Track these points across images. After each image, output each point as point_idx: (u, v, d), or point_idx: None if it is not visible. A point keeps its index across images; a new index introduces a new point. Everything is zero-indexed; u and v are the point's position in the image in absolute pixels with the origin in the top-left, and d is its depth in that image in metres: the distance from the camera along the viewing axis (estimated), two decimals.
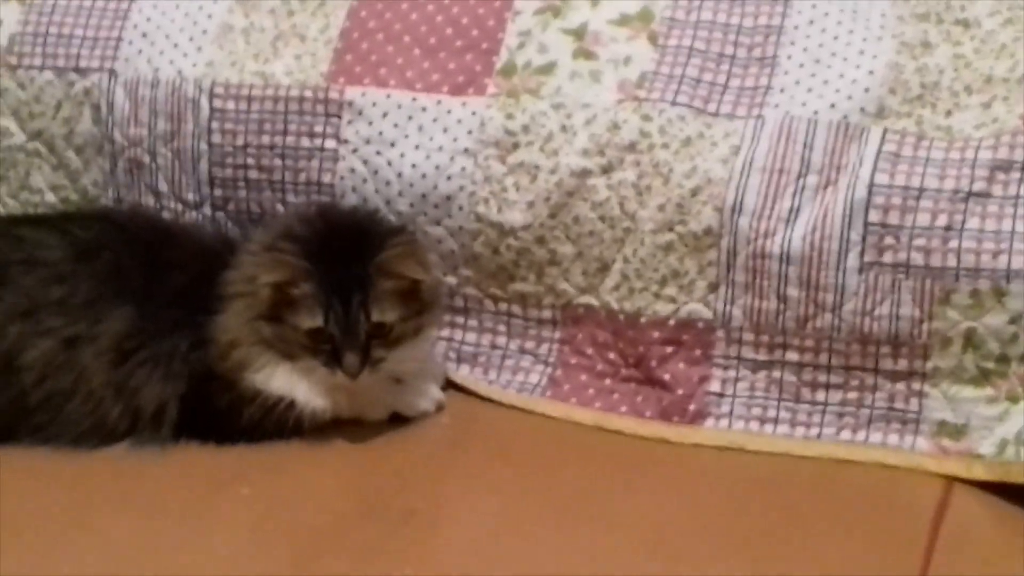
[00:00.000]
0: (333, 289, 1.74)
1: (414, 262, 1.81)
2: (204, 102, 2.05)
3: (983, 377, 1.77)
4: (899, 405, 1.80)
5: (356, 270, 1.76)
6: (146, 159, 2.09)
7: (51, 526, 1.65)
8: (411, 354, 1.83)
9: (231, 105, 2.04)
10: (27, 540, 1.61)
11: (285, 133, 2.02)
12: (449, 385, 1.96)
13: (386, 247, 1.78)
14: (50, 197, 2.16)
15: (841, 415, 1.82)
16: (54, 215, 2.11)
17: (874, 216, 1.79)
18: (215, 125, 2.05)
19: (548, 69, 1.96)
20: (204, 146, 2.05)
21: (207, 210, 2.07)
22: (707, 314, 1.87)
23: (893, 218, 1.78)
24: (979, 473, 1.73)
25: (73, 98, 2.13)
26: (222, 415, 1.80)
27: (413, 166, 1.96)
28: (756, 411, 1.85)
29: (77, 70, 2.13)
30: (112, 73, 2.11)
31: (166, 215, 2.09)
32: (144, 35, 2.12)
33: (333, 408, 1.81)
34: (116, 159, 2.11)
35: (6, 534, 1.60)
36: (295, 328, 1.76)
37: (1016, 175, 1.77)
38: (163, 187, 2.08)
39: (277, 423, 1.79)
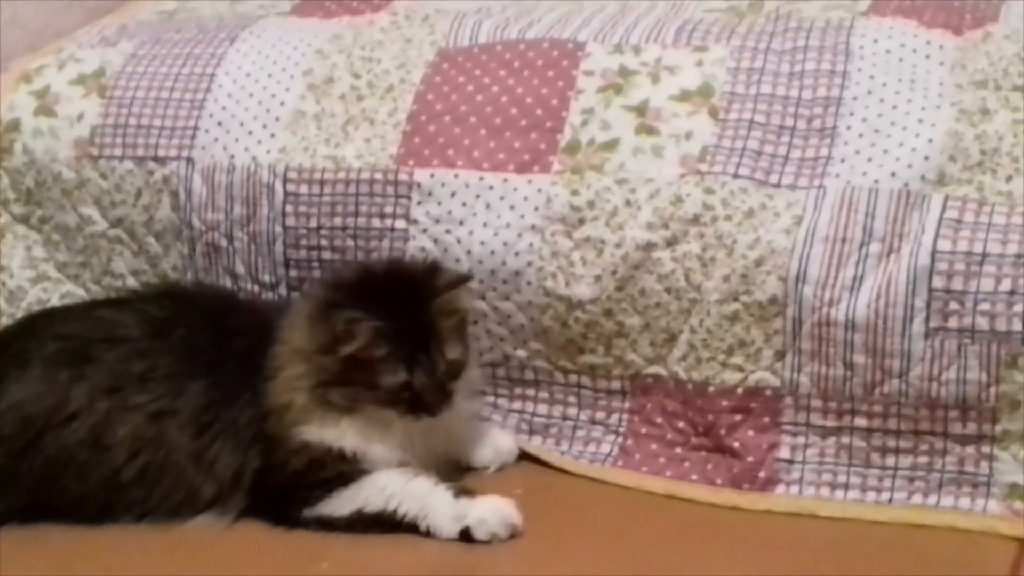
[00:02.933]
0: (408, 341, 1.80)
1: (464, 295, 1.89)
2: (278, 186, 2.11)
3: None
4: (969, 468, 1.81)
5: (420, 316, 1.81)
6: (223, 243, 2.15)
7: None
8: (468, 380, 1.90)
9: (304, 189, 2.10)
10: None
11: (356, 214, 2.07)
12: (522, 456, 1.99)
13: (439, 287, 1.84)
14: (131, 282, 2.22)
15: (912, 479, 1.83)
16: (128, 295, 2.17)
17: (938, 282, 1.81)
18: (289, 208, 2.10)
19: (611, 145, 2.00)
20: (279, 229, 2.10)
21: (283, 291, 2.12)
22: (775, 382, 1.89)
23: (957, 284, 1.80)
24: None
25: (152, 186, 2.19)
26: (287, 477, 1.83)
27: (482, 243, 2.01)
28: (826, 477, 1.86)
29: (156, 159, 2.20)
30: (189, 161, 2.18)
31: (242, 296, 2.14)
32: (219, 123, 2.18)
33: (403, 457, 1.84)
34: (194, 243, 2.17)
35: None
36: (374, 387, 1.80)
37: None
38: (240, 269, 2.14)
39: (324, 462, 1.82)
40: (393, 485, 1.81)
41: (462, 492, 1.81)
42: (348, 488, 1.81)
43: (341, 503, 1.81)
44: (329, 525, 1.81)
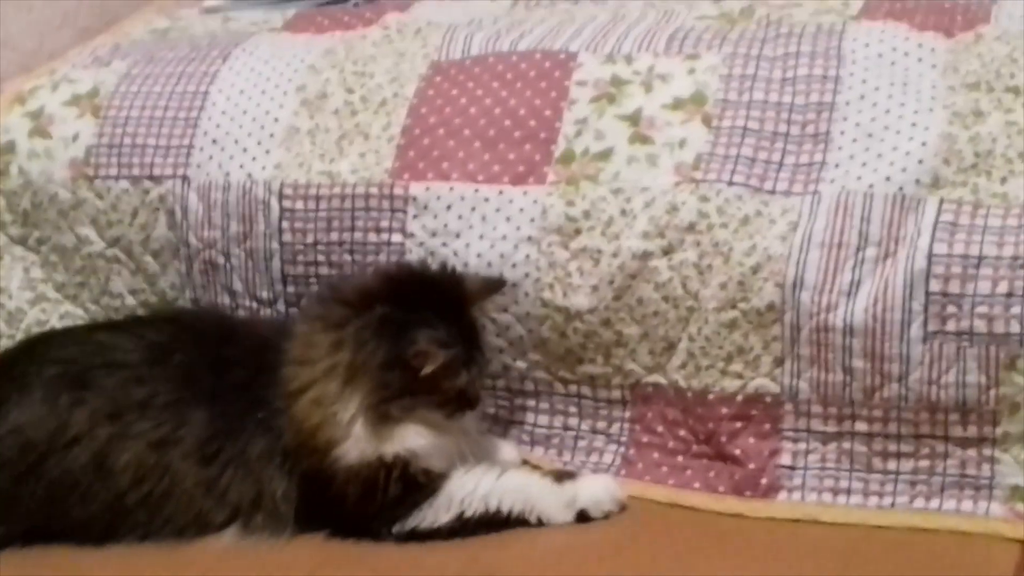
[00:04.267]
0: (462, 345, 1.83)
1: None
2: (274, 203, 2.11)
3: None
4: (971, 471, 1.82)
5: (462, 319, 1.86)
6: (220, 260, 2.15)
7: None
8: None
9: (300, 204, 2.10)
10: None
11: (353, 229, 2.08)
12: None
13: (468, 290, 1.89)
14: (130, 301, 2.23)
15: (913, 483, 1.84)
16: (127, 320, 2.17)
17: (935, 286, 1.81)
18: (285, 224, 2.10)
19: (605, 155, 2.00)
20: (276, 245, 2.11)
21: (281, 307, 2.12)
22: (774, 388, 1.89)
23: (954, 287, 1.80)
24: None
25: (148, 205, 2.20)
26: (338, 498, 1.83)
27: (478, 256, 2.01)
28: (828, 482, 1.87)
29: (151, 178, 2.20)
30: (185, 179, 2.18)
31: (241, 313, 2.15)
32: (214, 141, 2.18)
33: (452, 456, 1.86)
34: (192, 261, 2.17)
35: None
36: (433, 392, 1.82)
37: None
38: (238, 286, 2.14)
39: (384, 478, 1.82)
40: (485, 483, 1.83)
41: (562, 476, 1.86)
42: (436, 497, 1.82)
43: (436, 513, 1.82)
44: (428, 536, 1.82)
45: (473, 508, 1.81)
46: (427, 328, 1.80)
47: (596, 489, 1.85)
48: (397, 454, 1.82)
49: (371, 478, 1.82)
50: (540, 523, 1.82)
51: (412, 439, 1.83)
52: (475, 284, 1.91)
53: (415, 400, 1.82)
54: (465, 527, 1.81)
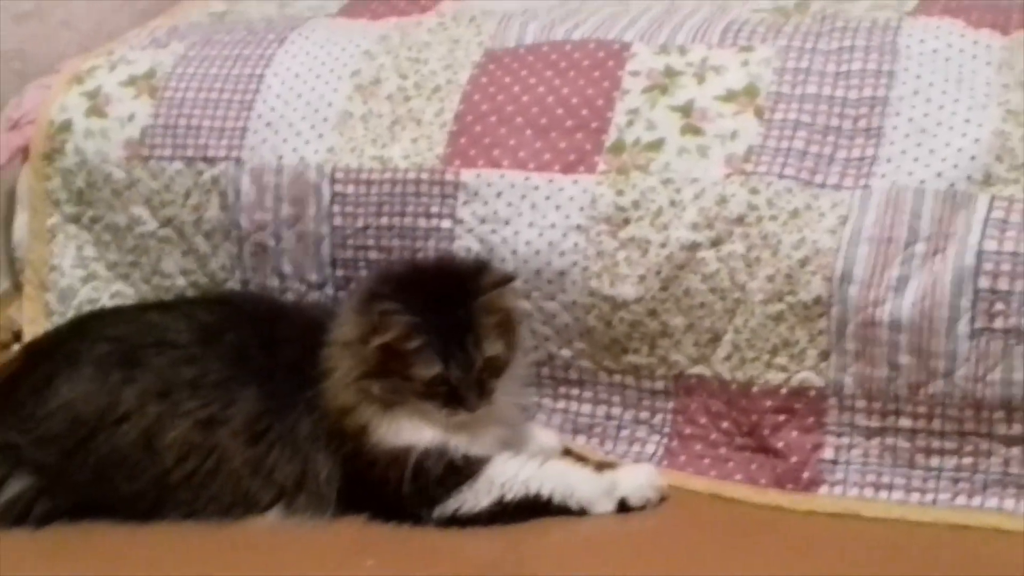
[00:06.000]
0: (445, 335, 1.81)
1: (509, 294, 1.89)
2: (326, 187, 2.13)
3: None
4: (1014, 470, 1.81)
5: (460, 312, 1.83)
6: (271, 243, 2.17)
7: None
8: (510, 382, 1.90)
9: (351, 189, 2.12)
10: None
11: (403, 214, 2.09)
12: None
13: (484, 285, 1.85)
14: (180, 281, 2.25)
15: (956, 480, 1.83)
16: (176, 300, 2.20)
17: (984, 283, 1.80)
18: (336, 208, 2.12)
19: (656, 146, 2.01)
20: (326, 229, 2.12)
21: (329, 290, 2.14)
22: (819, 382, 1.89)
23: (1003, 284, 1.79)
24: None
25: (201, 186, 2.22)
26: (371, 483, 1.84)
27: (527, 243, 2.02)
28: (870, 478, 1.86)
29: (205, 159, 2.22)
30: (238, 161, 2.20)
31: (290, 296, 2.16)
32: (268, 124, 2.20)
33: (448, 444, 1.84)
34: (242, 243, 2.19)
35: None
36: (410, 379, 1.82)
37: None
38: (287, 269, 2.16)
39: (418, 475, 1.82)
40: (527, 469, 1.83)
41: (603, 466, 1.86)
42: (476, 480, 1.82)
43: (476, 497, 1.83)
44: (467, 521, 1.82)
45: (514, 492, 1.82)
46: (392, 302, 1.81)
47: (637, 478, 1.85)
48: (420, 444, 1.83)
49: (408, 462, 1.82)
50: (581, 511, 1.83)
51: (410, 432, 1.83)
52: (486, 278, 1.87)
53: (394, 383, 1.82)
54: (505, 512, 1.82)
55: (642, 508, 1.84)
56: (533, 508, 1.82)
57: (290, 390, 1.89)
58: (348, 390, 1.85)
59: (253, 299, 2.14)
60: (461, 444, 1.84)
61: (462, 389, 1.82)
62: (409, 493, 1.82)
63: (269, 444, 1.88)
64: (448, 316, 1.83)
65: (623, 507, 1.84)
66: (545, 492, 1.82)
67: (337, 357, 1.87)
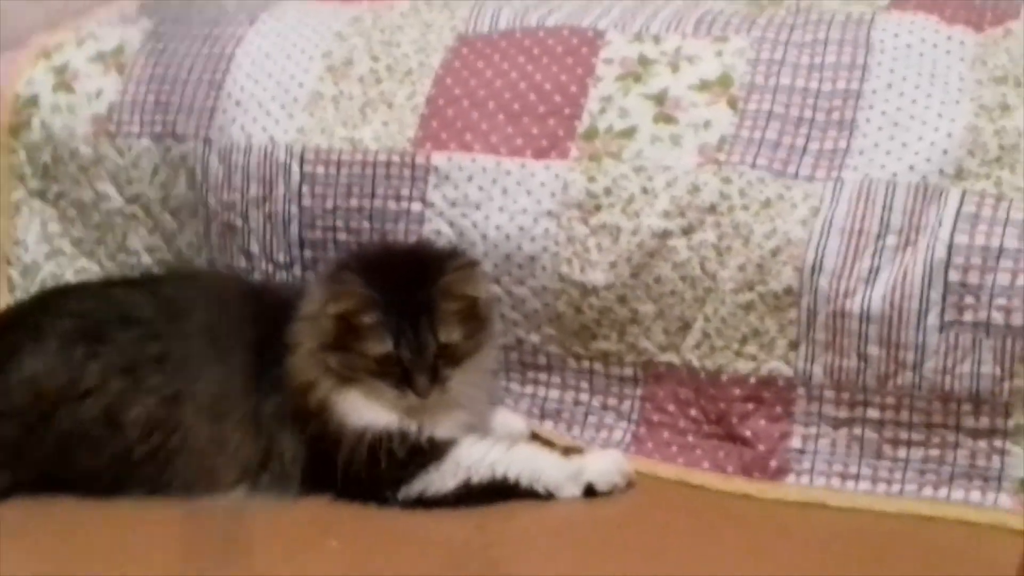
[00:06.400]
0: (400, 314, 1.80)
1: (474, 282, 1.88)
2: (295, 167, 2.11)
3: None
4: (981, 462, 1.81)
5: (419, 294, 1.82)
6: (239, 222, 2.15)
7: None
8: (472, 371, 1.88)
9: (320, 170, 2.11)
10: None
11: (373, 196, 2.08)
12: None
13: (446, 270, 1.84)
14: (146, 259, 2.23)
15: (923, 472, 1.84)
16: (142, 276, 2.18)
17: (954, 276, 1.81)
18: (305, 189, 2.11)
19: (629, 133, 2.00)
20: (295, 209, 2.11)
21: (297, 270, 2.13)
22: (788, 372, 1.89)
23: (973, 278, 1.80)
24: None
25: (169, 163, 2.20)
26: (335, 464, 1.82)
27: (497, 228, 2.01)
28: (837, 467, 1.87)
29: (174, 136, 2.20)
30: (207, 140, 2.18)
31: (257, 276, 2.15)
32: (238, 103, 2.18)
33: (406, 426, 1.83)
34: (210, 222, 2.18)
35: None
36: (363, 355, 1.82)
37: None
38: (255, 249, 2.14)
39: (374, 454, 1.81)
40: (494, 453, 1.82)
41: (570, 451, 1.86)
42: (442, 462, 1.82)
43: (442, 479, 1.82)
44: (433, 503, 1.81)
45: (480, 475, 1.81)
46: (351, 275, 1.81)
47: (604, 463, 1.85)
48: (380, 425, 1.82)
49: (374, 443, 1.81)
50: (548, 495, 1.82)
51: (369, 411, 1.82)
52: (451, 264, 1.87)
53: (349, 358, 1.81)
54: (472, 494, 1.81)
55: (609, 493, 1.84)
56: (500, 491, 1.81)
57: (255, 369, 1.88)
58: (309, 363, 1.84)
59: (220, 276, 2.13)
60: (425, 427, 1.83)
61: (413, 372, 1.81)
62: (374, 474, 1.81)
63: (234, 423, 1.86)
64: (407, 296, 1.82)
65: (590, 492, 1.83)
66: (512, 475, 1.81)
67: (301, 332, 1.86)
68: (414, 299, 1.82)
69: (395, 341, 1.80)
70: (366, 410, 1.83)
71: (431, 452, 1.82)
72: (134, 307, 1.95)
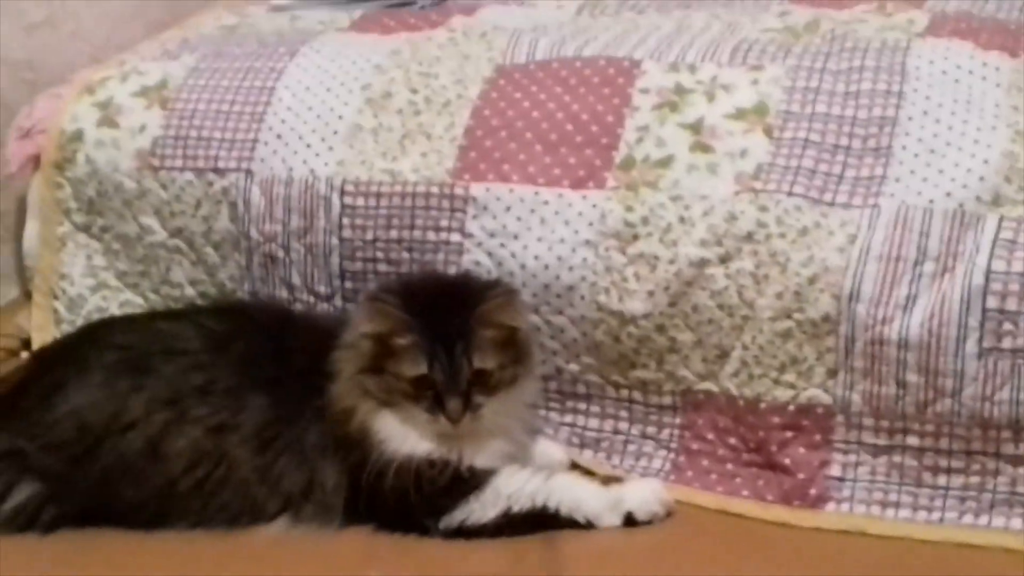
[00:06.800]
0: (436, 338, 1.82)
1: (512, 311, 1.89)
2: (335, 199, 2.13)
3: None
4: (1021, 489, 1.81)
5: (457, 320, 1.83)
6: (280, 254, 2.17)
7: None
8: (509, 402, 1.89)
9: (361, 201, 2.12)
10: None
11: (412, 227, 2.09)
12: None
13: (486, 298, 1.85)
14: (189, 291, 2.25)
15: (963, 499, 1.83)
16: (186, 309, 2.20)
17: (992, 302, 1.81)
18: (346, 221, 2.12)
19: (666, 162, 2.01)
20: (335, 241, 2.13)
21: (338, 301, 2.14)
22: (826, 399, 1.89)
23: (1011, 304, 1.80)
24: None
25: (211, 197, 2.22)
26: (377, 493, 1.84)
27: (536, 258, 2.02)
28: (877, 495, 1.87)
29: (216, 171, 2.22)
30: (248, 173, 2.20)
31: (298, 307, 2.17)
32: (279, 136, 2.21)
33: (444, 454, 1.85)
34: (252, 254, 2.20)
35: None
36: (398, 376, 1.83)
37: None
38: (296, 280, 2.16)
39: (415, 482, 1.82)
40: (534, 482, 1.84)
41: (609, 480, 1.87)
42: (482, 491, 1.83)
43: (483, 508, 1.83)
44: (474, 533, 1.83)
45: (520, 504, 1.82)
46: (391, 296, 1.83)
47: (643, 492, 1.86)
48: (422, 454, 1.83)
49: (415, 471, 1.83)
50: (588, 524, 1.83)
51: (407, 438, 1.84)
52: (490, 292, 1.88)
53: (385, 380, 1.83)
54: (512, 524, 1.82)
55: (648, 522, 1.84)
56: (540, 521, 1.82)
57: (299, 398, 1.90)
58: (349, 390, 1.86)
59: (263, 307, 2.15)
60: (464, 456, 1.85)
61: (445, 396, 1.82)
62: (414, 503, 1.83)
63: (277, 452, 1.88)
64: (444, 321, 1.83)
65: (629, 521, 1.84)
66: (552, 505, 1.82)
67: (342, 359, 1.88)
68: (451, 324, 1.83)
69: (429, 363, 1.82)
70: (404, 436, 1.84)
71: (471, 481, 1.84)
72: (178, 339, 1.97)
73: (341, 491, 1.87)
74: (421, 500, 1.83)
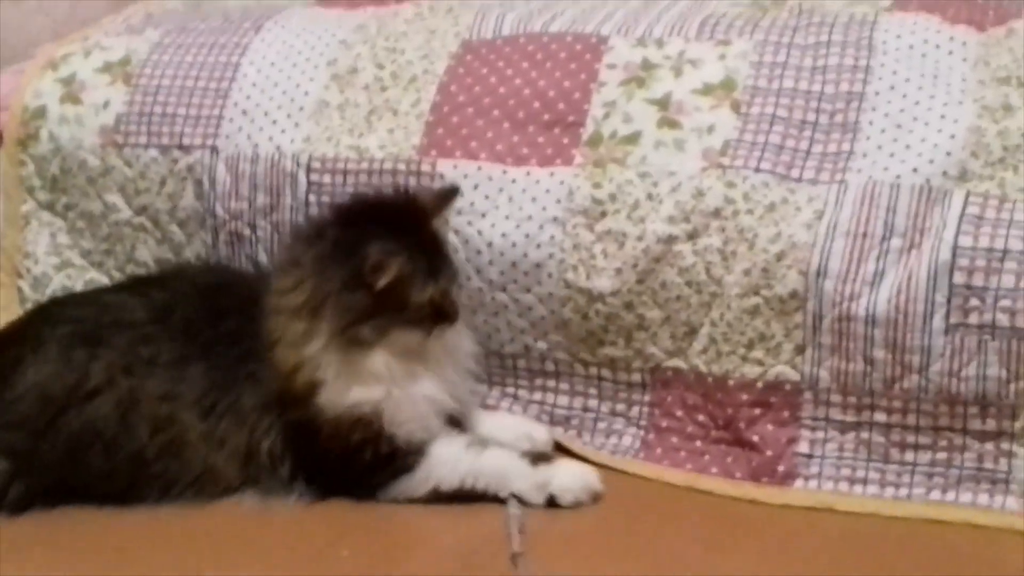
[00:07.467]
0: (423, 258, 1.85)
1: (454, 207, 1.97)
2: (302, 176, 2.12)
3: None
4: (988, 465, 1.82)
5: (422, 234, 1.88)
6: (246, 231, 2.16)
7: None
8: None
9: (327, 179, 2.11)
10: None
11: None
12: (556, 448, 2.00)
13: (433, 206, 1.92)
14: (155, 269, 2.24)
15: (930, 475, 1.84)
16: (133, 280, 2.18)
17: (959, 278, 1.81)
18: (312, 198, 2.11)
19: (633, 139, 2.01)
20: (302, 218, 2.11)
21: None
22: (794, 376, 1.90)
23: (978, 280, 1.80)
24: None
25: (176, 174, 2.21)
26: (322, 455, 1.86)
27: (503, 235, 2.02)
28: (845, 471, 1.87)
29: (180, 147, 2.21)
30: (214, 150, 2.19)
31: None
32: (244, 112, 2.19)
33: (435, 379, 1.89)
34: (218, 232, 2.19)
35: None
36: (403, 308, 1.84)
37: None
38: (263, 258, 2.15)
39: (365, 439, 1.85)
40: (464, 463, 1.85)
41: (539, 459, 1.87)
42: (414, 473, 1.85)
43: (415, 486, 1.86)
44: (411, 500, 1.86)
45: (448, 484, 1.85)
46: (379, 241, 1.82)
47: (570, 478, 1.86)
48: (369, 404, 1.84)
49: (349, 435, 1.84)
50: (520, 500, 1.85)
51: (382, 368, 1.84)
52: (429, 199, 1.93)
53: (386, 320, 1.84)
54: (440, 499, 1.86)
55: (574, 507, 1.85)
56: (467, 496, 1.85)
57: (234, 363, 1.90)
58: (293, 349, 1.85)
59: (204, 270, 2.15)
60: (423, 389, 1.87)
61: (446, 304, 1.87)
62: (354, 477, 1.85)
63: (219, 417, 1.89)
64: (417, 239, 1.86)
65: (552, 503, 1.84)
66: (480, 486, 1.85)
67: (284, 326, 1.86)
68: (422, 239, 1.87)
69: (436, 281, 1.86)
70: (367, 383, 1.84)
71: (407, 459, 1.85)
72: (125, 310, 1.97)
73: (284, 453, 1.88)
74: (359, 475, 1.85)
